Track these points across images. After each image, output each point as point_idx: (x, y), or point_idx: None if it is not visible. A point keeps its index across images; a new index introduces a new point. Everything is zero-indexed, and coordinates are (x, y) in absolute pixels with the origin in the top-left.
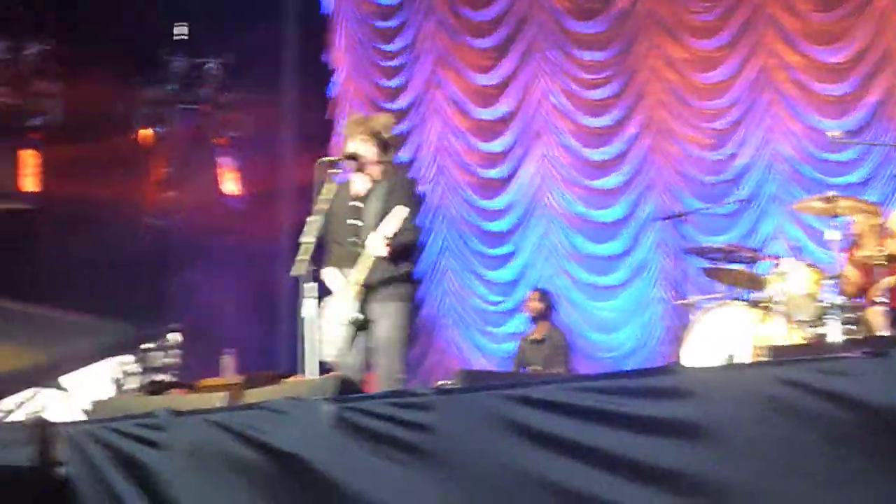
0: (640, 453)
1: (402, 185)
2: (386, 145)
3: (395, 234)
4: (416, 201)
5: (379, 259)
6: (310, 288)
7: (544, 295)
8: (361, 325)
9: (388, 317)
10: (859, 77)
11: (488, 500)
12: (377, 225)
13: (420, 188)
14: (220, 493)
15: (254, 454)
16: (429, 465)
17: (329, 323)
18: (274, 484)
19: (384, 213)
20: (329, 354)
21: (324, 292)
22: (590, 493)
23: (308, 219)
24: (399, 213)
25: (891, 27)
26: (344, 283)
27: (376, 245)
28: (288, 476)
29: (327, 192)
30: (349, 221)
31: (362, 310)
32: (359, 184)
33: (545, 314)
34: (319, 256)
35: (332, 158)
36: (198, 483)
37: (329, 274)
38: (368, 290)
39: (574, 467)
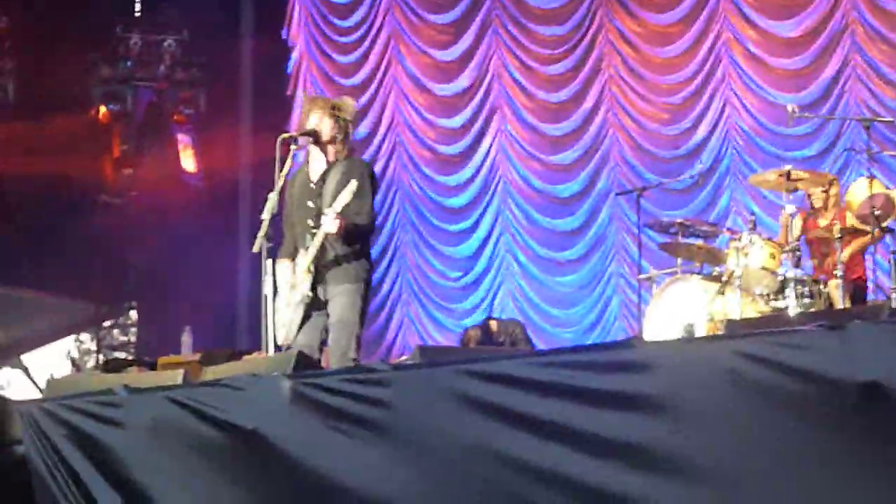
0: (599, 427)
1: (359, 167)
2: (345, 126)
3: (347, 208)
4: (372, 183)
5: (331, 238)
6: (270, 264)
7: (478, 329)
8: (317, 305)
9: (340, 297)
10: (815, 51)
11: (446, 475)
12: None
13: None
14: (179, 469)
15: (213, 431)
16: (386, 441)
17: (280, 307)
18: (233, 460)
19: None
20: (280, 337)
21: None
22: (548, 468)
23: (268, 195)
24: (350, 188)
25: (846, 1)
26: (298, 266)
27: (328, 221)
28: (247, 452)
29: (286, 172)
30: (308, 203)
31: (315, 290)
32: (316, 165)
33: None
34: (277, 236)
35: (292, 134)
36: (157, 460)
37: (280, 267)
38: (322, 271)
39: (533, 442)
